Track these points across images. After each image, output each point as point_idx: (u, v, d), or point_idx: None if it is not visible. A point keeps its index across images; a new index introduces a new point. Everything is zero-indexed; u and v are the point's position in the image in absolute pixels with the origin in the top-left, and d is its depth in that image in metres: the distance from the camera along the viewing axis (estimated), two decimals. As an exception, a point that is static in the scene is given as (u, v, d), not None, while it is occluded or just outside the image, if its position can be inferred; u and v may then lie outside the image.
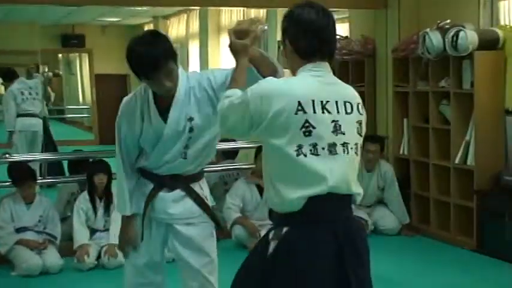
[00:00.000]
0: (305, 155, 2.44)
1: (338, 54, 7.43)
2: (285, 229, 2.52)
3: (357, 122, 2.58)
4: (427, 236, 6.44)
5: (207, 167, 7.31)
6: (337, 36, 2.59)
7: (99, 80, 15.48)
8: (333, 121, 2.49)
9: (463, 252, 5.97)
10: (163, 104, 3.17)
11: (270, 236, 2.57)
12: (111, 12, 12.74)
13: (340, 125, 2.51)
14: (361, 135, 2.60)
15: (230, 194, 6.32)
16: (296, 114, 2.43)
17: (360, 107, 2.60)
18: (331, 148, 2.48)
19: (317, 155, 2.46)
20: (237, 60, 2.86)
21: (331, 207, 2.54)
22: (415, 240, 6.41)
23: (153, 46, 3.05)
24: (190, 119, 3.15)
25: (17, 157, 6.38)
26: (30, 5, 9.40)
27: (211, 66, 11.20)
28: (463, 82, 6.04)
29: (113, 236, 5.76)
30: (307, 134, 2.45)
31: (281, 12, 8.79)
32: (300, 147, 2.44)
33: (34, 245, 5.71)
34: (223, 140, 8.37)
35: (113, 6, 10.71)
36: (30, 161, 6.22)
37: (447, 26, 6.01)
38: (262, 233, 6.02)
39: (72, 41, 14.92)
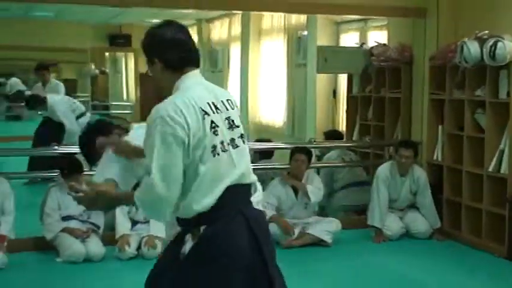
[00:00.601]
0: (218, 154, 2.52)
1: (375, 61, 7.36)
2: (202, 228, 2.53)
3: (239, 115, 2.69)
4: (458, 241, 6.31)
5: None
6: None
7: (143, 78, 15.59)
8: (226, 118, 2.59)
9: (494, 259, 5.82)
10: None
11: (187, 237, 2.56)
12: (157, 14, 12.78)
13: (233, 120, 2.62)
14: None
15: (266, 193, 6.26)
16: (204, 119, 2.49)
17: (235, 102, 2.72)
18: (232, 143, 2.58)
19: (225, 151, 2.54)
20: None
21: (239, 197, 2.61)
22: (446, 245, 6.29)
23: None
24: None
25: (65, 149, 6.41)
26: (79, 5, 9.45)
27: (251, 68, 11.19)
28: (499, 91, 5.91)
29: (153, 227, 5.79)
30: (216, 133, 2.52)
31: (321, 17, 8.80)
32: (214, 147, 2.51)
33: (78, 233, 5.73)
34: (259, 140, 8.38)
35: (158, 9, 10.73)
36: (77, 153, 6.24)
37: (485, 37, 5.90)
38: (296, 231, 6.04)
39: (119, 40, 15.07)
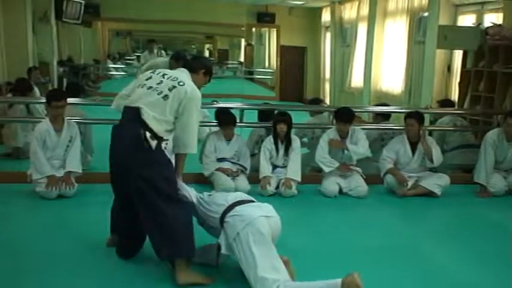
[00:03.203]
0: (139, 88, 3.68)
1: (490, 39, 6.93)
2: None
3: (171, 88, 3.62)
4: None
5: (367, 126, 7.19)
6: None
7: (282, 50, 15.65)
8: (160, 82, 3.65)
9: None
10: None
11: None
12: (297, -4, 12.77)
13: (161, 83, 3.65)
14: (170, 92, 3.61)
15: (386, 148, 6.14)
16: (150, 76, 3.74)
17: (178, 83, 3.66)
18: (157, 91, 3.60)
19: (143, 87, 3.66)
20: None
21: (130, 115, 3.60)
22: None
23: None
24: None
25: (222, 104, 6.57)
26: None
27: (375, 45, 10.88)
28: None
29: (290, 171, 5.86)
30: (147, 78, 3.71)
31: (442, 0, 8.33)
32: (140, 85, 3.69)
33: (230, 172, 5.89)
34: (378, 105, 8.16)
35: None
36: (232, 108, 6.39)
37: None
38: (410, 183, 5.89)
39: (265, 18, 15.15)
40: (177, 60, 7.19)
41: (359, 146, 5.93)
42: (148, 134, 3.47)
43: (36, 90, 7.87)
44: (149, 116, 3.52)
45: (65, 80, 12.38)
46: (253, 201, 3.62)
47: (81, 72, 15.52)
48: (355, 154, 5.91)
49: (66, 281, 3.55)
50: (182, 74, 3.77)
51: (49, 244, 4.12)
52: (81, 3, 11.97)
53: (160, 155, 3.54)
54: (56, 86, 11.09)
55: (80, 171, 5.52)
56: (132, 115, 3.56)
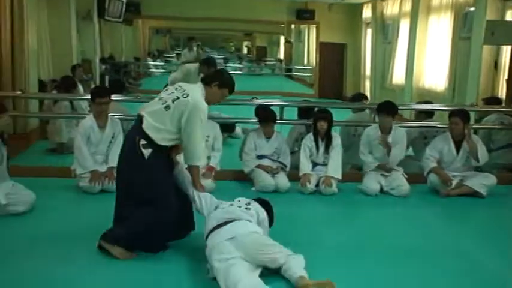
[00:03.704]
0: (157, 98, 3.92)
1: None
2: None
3: (175, 99, 3.81)
4: None
5: (407, 124, 7.06)
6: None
7: (322, 46, 15.55)
8: (170, 93, 3.86)
9: None
10: None
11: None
12: (337, -8, 12.64)
13: (171, 94, 3.87)
14: (173, 103, 3.80)
15: (430, 147, 6.02)
16: (173, 91, 3.92)
17: (183, 95, 3.82)
18: (163, 101, 3.85)
19: (160, 99, 3.88)
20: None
21: (137, 122, 3.84)
22: None
23: None
24: None
25: (262, 101, 6.56)
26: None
27: (418, 42, 10.69)
28: None
29: (330, 169, 5.81)
30: (165, 92, 3.93)
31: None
32: (160, 98, 3.89)
33: (270, 169, 5.89)
34: (422, 102, 7.99)
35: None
36: (272, 105, 6.38)
37: None
38: (454, 182, 5.76)
39: (305, 14, 15.08)
40: (209, 65, 7.07)
41: (397, 147, 5.85)
42: (142, 142, 3.73)
43: (80, 87, 8.04)
44: (148, 123, 3.76)
45: (106, 78, 12.61)
46: (234, 220, 3.69)
47: (122, 69, 15.78)
48: (393, 162, 5.87)
49: (106, 273, 3.63)
50: (195, 87, 3.92)
51: (91, 236, 4.20)
52: (122, 1, 12.16)
53: (148, 164, 3.74)
54: (98, 83, 11.31)
55: (122, 167, 5.60)
56: (137, 122, 3.84)
